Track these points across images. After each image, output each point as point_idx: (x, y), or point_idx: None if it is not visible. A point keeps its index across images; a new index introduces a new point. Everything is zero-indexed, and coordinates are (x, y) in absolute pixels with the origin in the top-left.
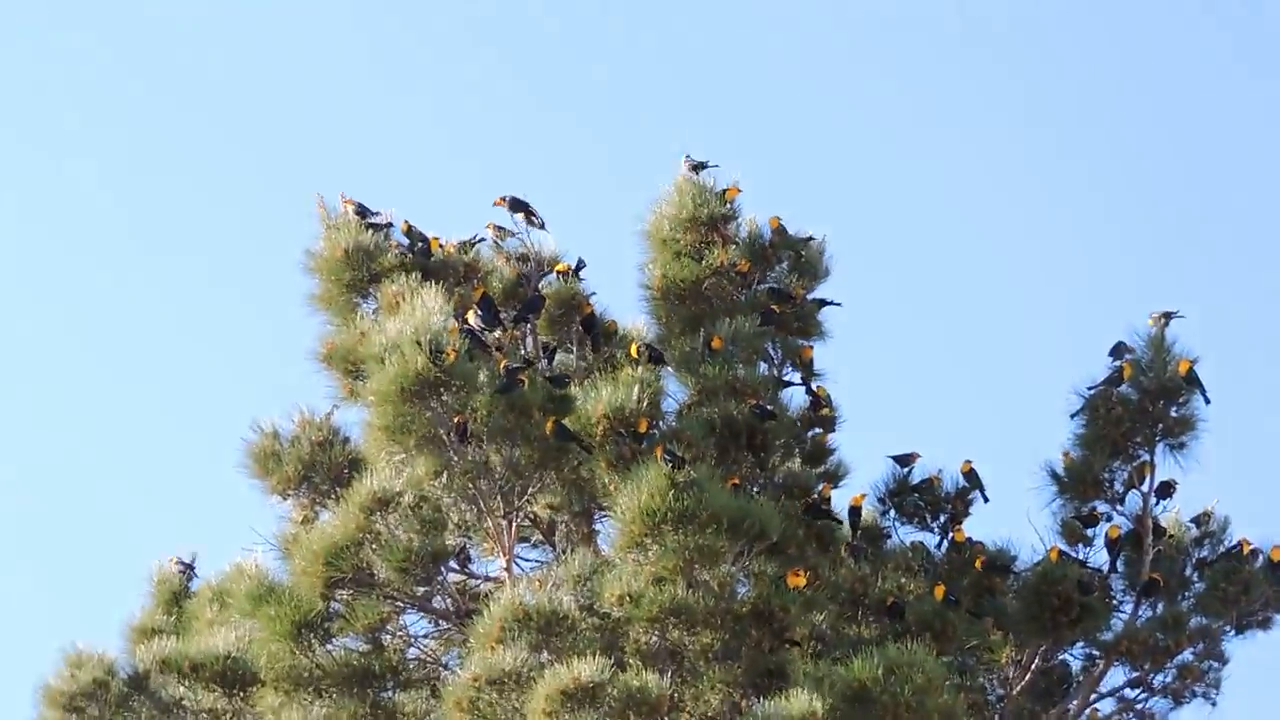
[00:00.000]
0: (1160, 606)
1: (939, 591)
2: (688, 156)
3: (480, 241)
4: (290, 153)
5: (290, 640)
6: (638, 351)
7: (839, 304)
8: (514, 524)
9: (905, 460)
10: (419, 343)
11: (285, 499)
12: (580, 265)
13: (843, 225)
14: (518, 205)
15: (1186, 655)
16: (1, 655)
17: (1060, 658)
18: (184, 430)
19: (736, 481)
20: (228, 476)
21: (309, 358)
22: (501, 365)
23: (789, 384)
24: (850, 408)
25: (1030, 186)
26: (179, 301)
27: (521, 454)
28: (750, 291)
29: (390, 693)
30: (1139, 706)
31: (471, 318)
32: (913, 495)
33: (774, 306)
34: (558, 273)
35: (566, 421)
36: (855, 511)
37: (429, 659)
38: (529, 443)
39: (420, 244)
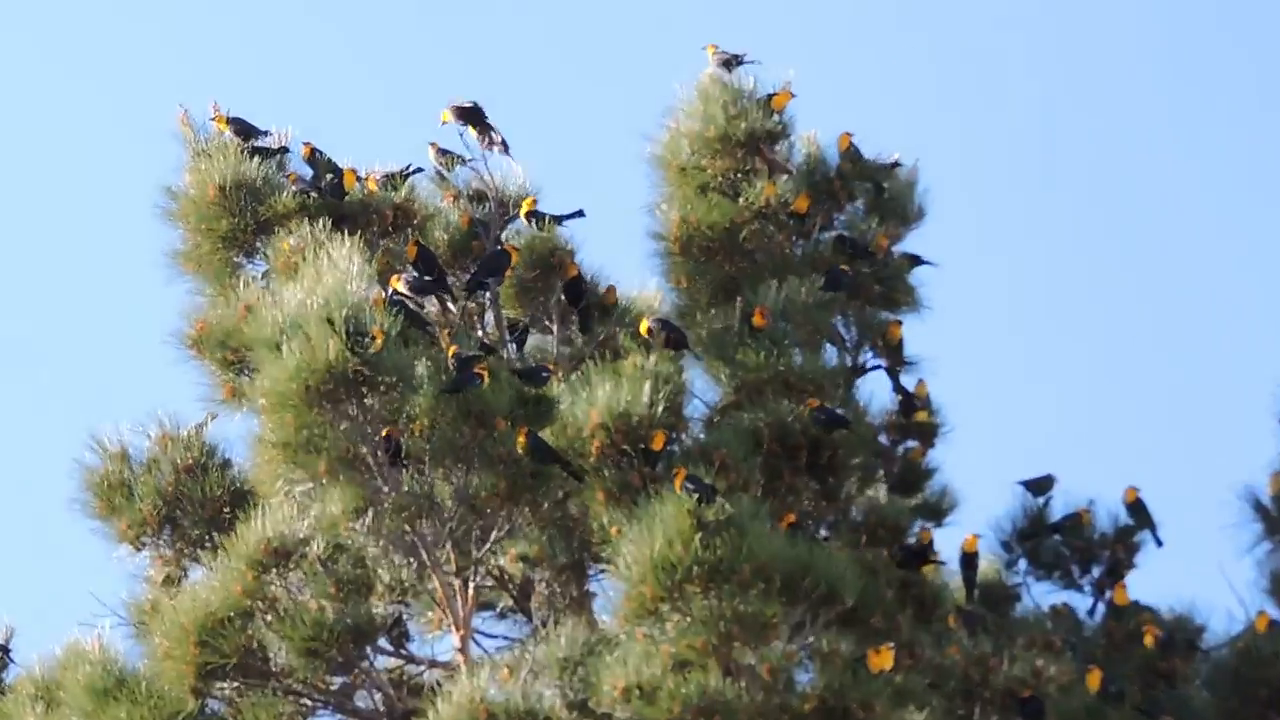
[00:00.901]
0: None
1: (1094, 679)
2: (716, 48)
3: (416, 172)
4: (143, 40)
5: None
6: (649, 331)
7: (935, 263)
8: (471, 584)
9: (1040, 486)
10: (330, 321)
11: (139, 549)
12: (574, 214)
13: (940, 146)
14: (470, 117)
15: None
16: None
17: None
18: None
19: (793, 519)
20: (55, 516)
21: (170, 342)
22: (450, 353)
23: (864, 371)
24: (958, 411)
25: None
26: None
27: (481, 482)
28: (810, 242)
29: None
30: None
31: (402, 284)
32: (1052, 537)
33: (844, 264)
34: (528, 216)
35: (546, 434)
36: (969, 561)
37: None
38: (491, 466)
39: (330, 177)
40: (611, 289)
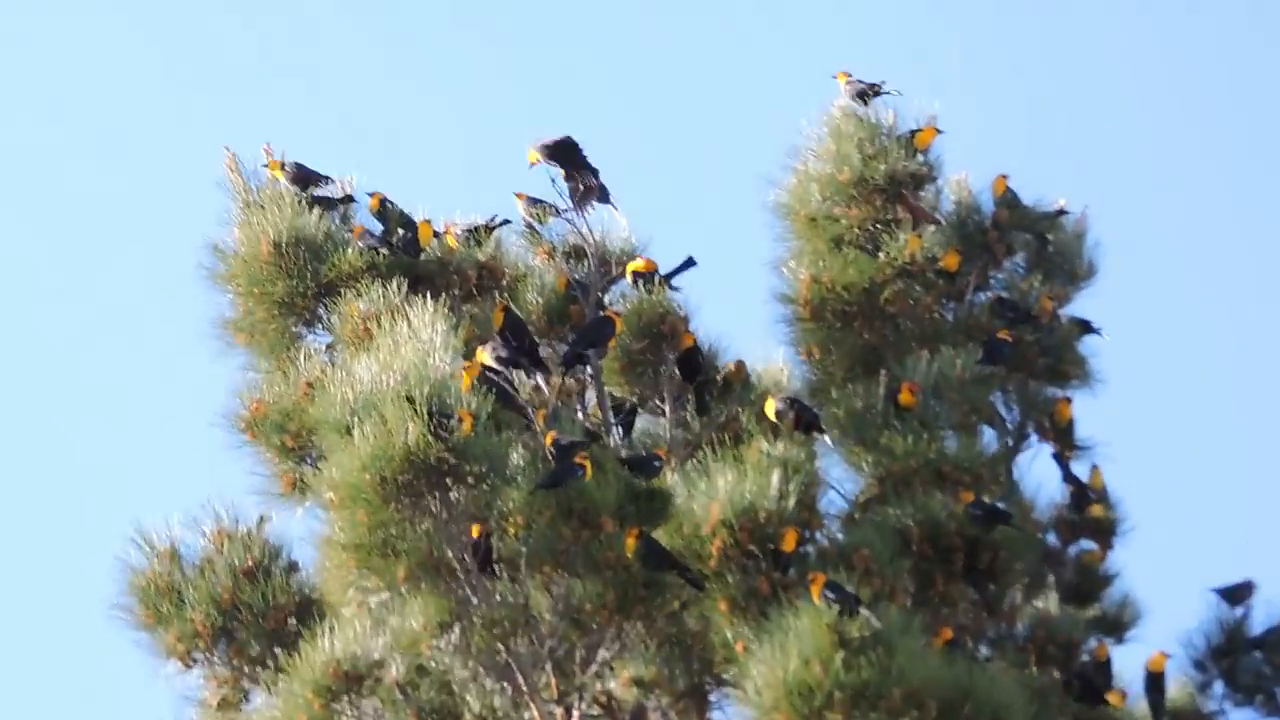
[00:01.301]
0: None
1: None
2: (849, 76)
3: (502, 225)
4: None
5: None
6: (777, 412)
7: (1097, 331)
8: (575, 712)
9: (1239, 595)
10: (410, 400)
11: (190, 666)
12: (685, 266)
13: (1116, 189)
14: (561, 155)
15: None
16: None
17: None
18: (33, 539)
19: (949, 635)
20: (92, 625)
21: (221, 424)
22: (548, 440)
23: (1013, 449)
24: (1140, 504)
25: None
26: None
27: (585, 592)
28: (963, 305)
29: None
30: None
31: (489, 355)
32: (1253, 654)
33: (1004, 332)
34: (635, 275)
35: (660, 535)
36: (1155, 683)
37: None
38: (597, 572)
39: (403, 231)
40: (740, 365)
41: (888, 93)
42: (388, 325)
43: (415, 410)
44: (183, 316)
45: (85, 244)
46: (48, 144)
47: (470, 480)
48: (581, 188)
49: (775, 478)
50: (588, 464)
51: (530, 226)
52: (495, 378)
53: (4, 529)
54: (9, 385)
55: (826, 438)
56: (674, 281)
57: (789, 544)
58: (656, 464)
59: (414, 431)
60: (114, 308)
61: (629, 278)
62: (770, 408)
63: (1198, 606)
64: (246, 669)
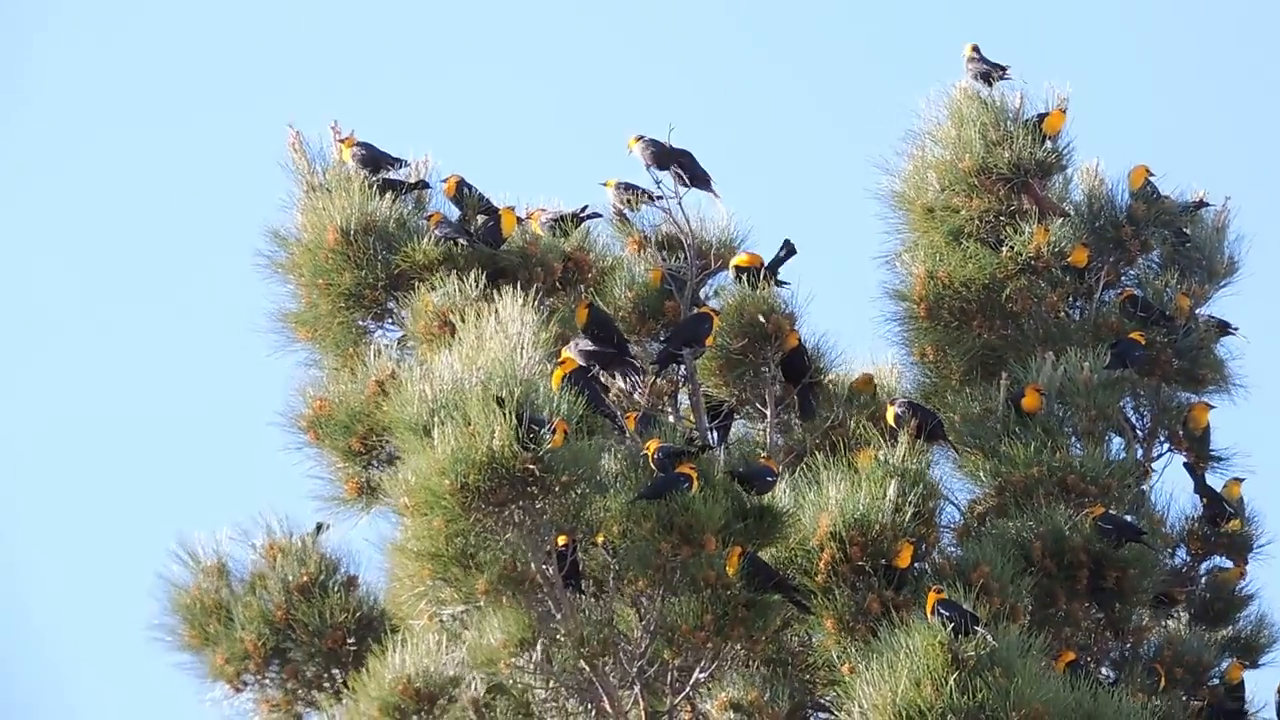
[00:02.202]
0: None
1: None
2: (975, 52)
3: (592, 217)
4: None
5: None
6: (896, 417)
7: (1234, 333)
8: None
9: None
10: (499, 400)
11: (240, 689)
12: (784, 253)
13: (1261, 180)
14: (662, 153)
15: None
16: None
17: None
18: (68, 550)
19: (1073, 657)
20: (133, 645)
21: (280, 425)
22: (650, 448)
23: (1142, 456)
24: (1277, 518)
25: None
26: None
27: (684, 610)
28: (1092, 303)
29: None
30: None
31: (575, 353)
32: None
33: (1136, 333)
34: (736, 270)
35: (765, 552)
36: None
37: None
38: (695, 590)
39: (483, 219)
40: (868, 379)
41: (1010, 79)
42: (470, 319)
43: (503, 412)
44: (239, 307)
45: (129, 229)
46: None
47: (558, 489)
48: (681, 179)
49: (891, 488)
50: (694, 475)
51: (621, 214)
52: (584, 378)
53: (36, 538)
54: (33, 378)
55: (945, 445)
56: (779, 276)
57: (904, 559)
58: (770, 478)
59: (501, 435)
60: (161, 297)
61: (731, 273)
62: (891, 413)
63: None
64: (301, 691)
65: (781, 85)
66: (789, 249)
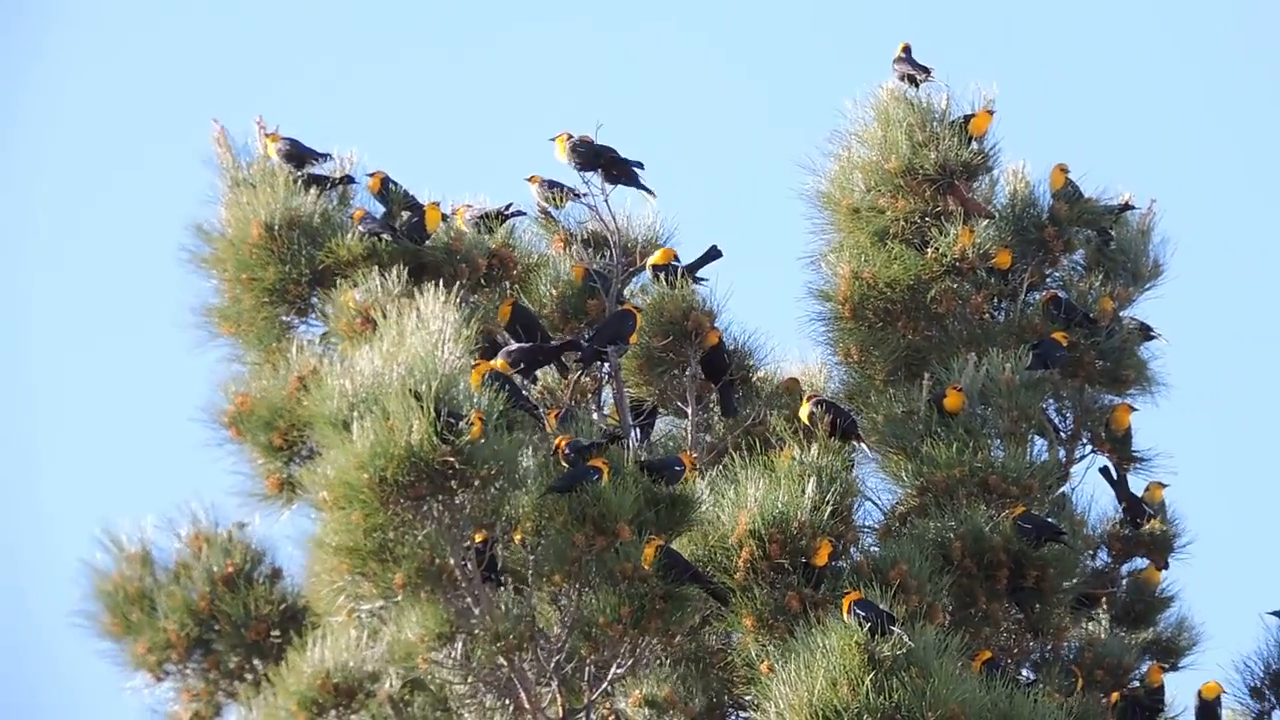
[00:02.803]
0: None
1: None
2: (905, 53)
3: (516, 215)
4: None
5: None
6: (811, 415)
7: (1158, 335)
8: None
9: None
10: (416, 395)
11: (161, 679)
12: (708, 258)
13: (1184, 181)
14: (589, 152)
15: None
16: None
17: None
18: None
19: (990, 656)
20: (52, 633)
21: (201, 420)
22: (562, 443)
23: (1059, 460)
24: (1199, 520)
25: None
26: None
27: (598, 605)
28: (1017, 305)
29: None
30: None
31: (505, 355)
32: None
33: (1058, 334)
34: (654, 269)
35: (681, 545)
36: (1209, 711)
37: None
38: (612, 584)
39: (407, 215)
40: (793, 382)
41: (935, 81)
42: (392, 315)
43: (422, 407)
44: (161, 302)
45: (51, 219)
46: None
47: (477, 484)
48: (609, 175)
49: (810, 487)
50: (604, 467)
51: (545, 212)
52: (508, 375)
53: None
54: None
55: (863, 445)
56: (698, 274)
57: (822, 557)
58: (679, 469)
59: (419, 430)
60: (83, 292)
61: (649, 271)
62: (805, 411)
63: (1256, 631)
64: (223, 682)
65: (709, 82)
66: (715, 253)
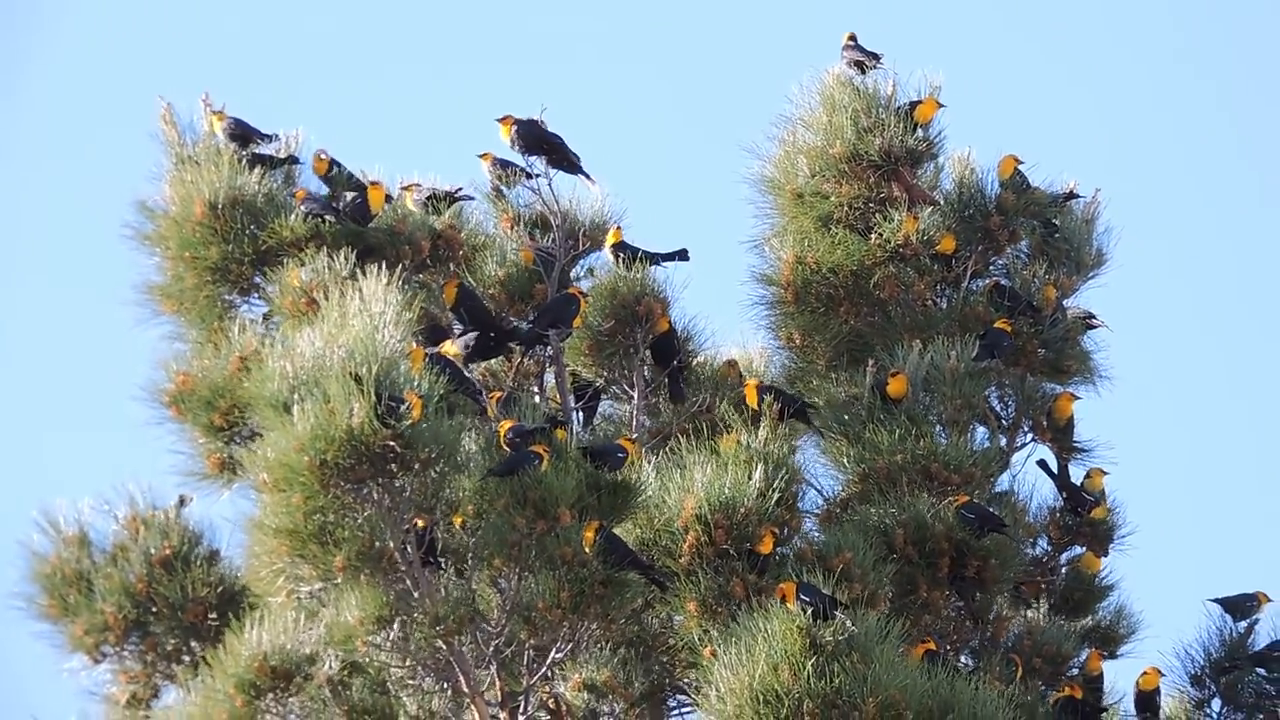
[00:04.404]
0: None
1: None
2: (851, 40)
3: (465, 199)
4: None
5: None
6: (758, 399)
7: (1099, 325)
8: (522, 717)
9: (1241, 606)
10: (357, 378)
11: (98, 661)
12: (675, 256)
13: (1130, 172)
14: (533, 136)
15: None
16: None
17: None
18: None
19: (932, 645)
20: None
21: (142, 399)
22: (503, 427)
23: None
24: (1140, 509)
25: None
26: None
27: (538, 589)
28: (960, 292)
29: None
30: None
31: (457, 348)
32: (1255, 671)
33: (1003, 323)
34: (613, 248)
35: (626, 530)
36: (1147, 701)
37: None
38: (552, 568)
39: (351, 195)
40: (733, 365)
41: (881, 68)
42: (334, 297)
43: (362, 389)
44: (102, 279)
45: None
46: None
47: (417, 467)
48: (553, 160)
49: (757, 473)
50: (545, 452)
51: (497, 190)
52: (450, 358)
53: None
54: None
55: (810, 431)
56: (660, 264)
57: (766, 545)
58: (621, 454)
59: (360, 413)
60: (20, 264)
61: (608, 251)
62: (752, 395)
63: (1197, 619)
64: (160, 665)
65: (654, 67)
66: (683, 255)
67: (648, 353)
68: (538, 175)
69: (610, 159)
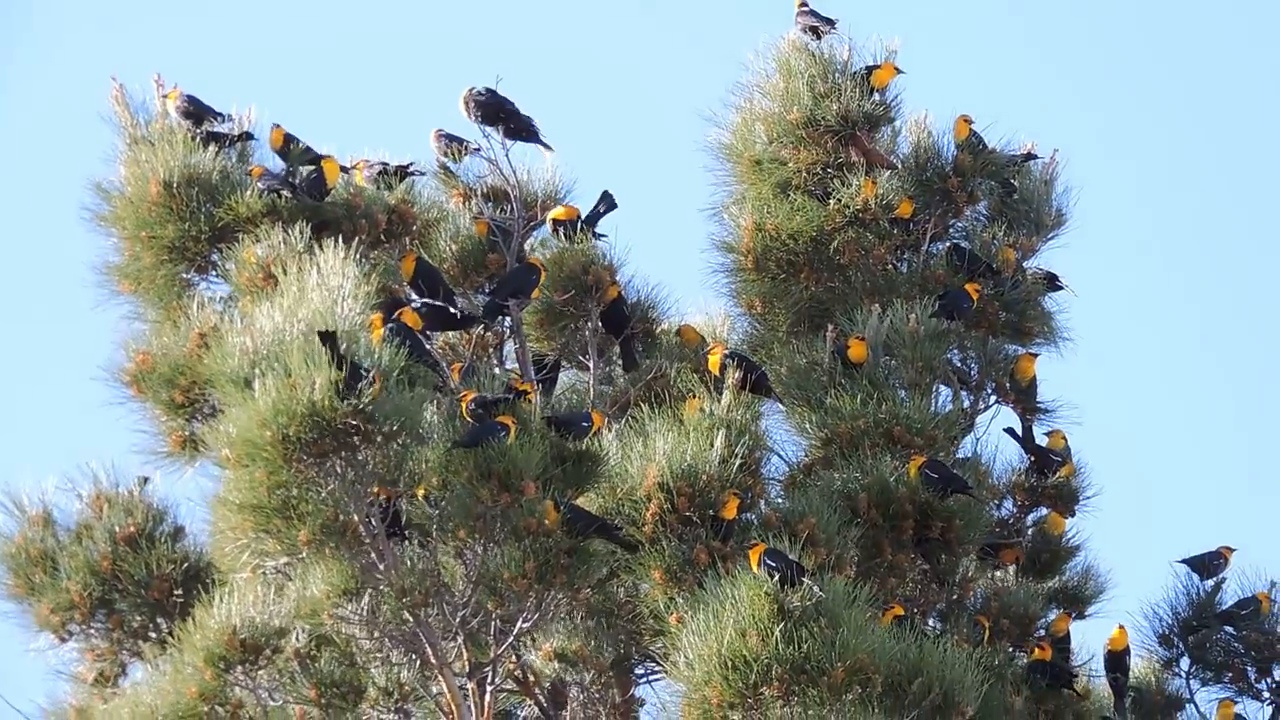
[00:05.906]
0: None
1: None
2: (804, 5)
3: (416, 174)
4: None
5: None
6: (720, 367)
7: (1063, 287)
8: (488, 688)
9: (1208, 564)
10: (321, 336)
11: (65, 639)
12: (604, 207)
13: (1088, 132)
14: (489, 106)
15: None
16: None
17: None
18: None
19: (899, 611)
20: None
21: (103, 379)
22: (466, 397)
23: (969, 417)
24: (1105, 470)
25: None
26: None
27: (503, 560)
28: (920, 256)
29: None
30: None
31: (419, 309)
32: (1222, 630)
33: (966, 285)
34: (555, 223)
35: (590, 499)
36: (1117, 660)
37: None
38: (516, 539)
39: (307, 170)
40: (690, 329)
41: (838, 33)
42: (292, 271)
43: (318, 364)
44: (61, 261)
45: None
46: None
47: (379, 440)
48: (509, 131)
49: (718, 440)
50: (511, 423)
51: (445, 167)
52: (411, 329)
53: None
54: None
55: (771, 397)
56: (597, 227)
57: (730, 510)
58: (585, 424)
59: (321, 387)
60: None
61: (549, 226)
62: (715, 362)
63: (1165, 579)
64: (127, 642)
65: (609, 33)
66: (609, 203)
67: (600, 322)
68: (476, 150)
69: (567, 127)
